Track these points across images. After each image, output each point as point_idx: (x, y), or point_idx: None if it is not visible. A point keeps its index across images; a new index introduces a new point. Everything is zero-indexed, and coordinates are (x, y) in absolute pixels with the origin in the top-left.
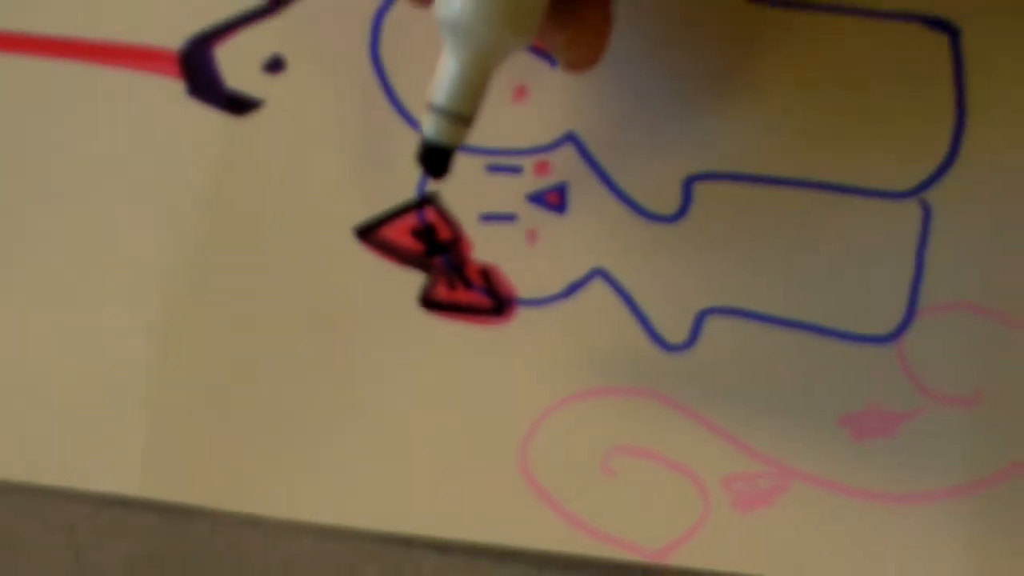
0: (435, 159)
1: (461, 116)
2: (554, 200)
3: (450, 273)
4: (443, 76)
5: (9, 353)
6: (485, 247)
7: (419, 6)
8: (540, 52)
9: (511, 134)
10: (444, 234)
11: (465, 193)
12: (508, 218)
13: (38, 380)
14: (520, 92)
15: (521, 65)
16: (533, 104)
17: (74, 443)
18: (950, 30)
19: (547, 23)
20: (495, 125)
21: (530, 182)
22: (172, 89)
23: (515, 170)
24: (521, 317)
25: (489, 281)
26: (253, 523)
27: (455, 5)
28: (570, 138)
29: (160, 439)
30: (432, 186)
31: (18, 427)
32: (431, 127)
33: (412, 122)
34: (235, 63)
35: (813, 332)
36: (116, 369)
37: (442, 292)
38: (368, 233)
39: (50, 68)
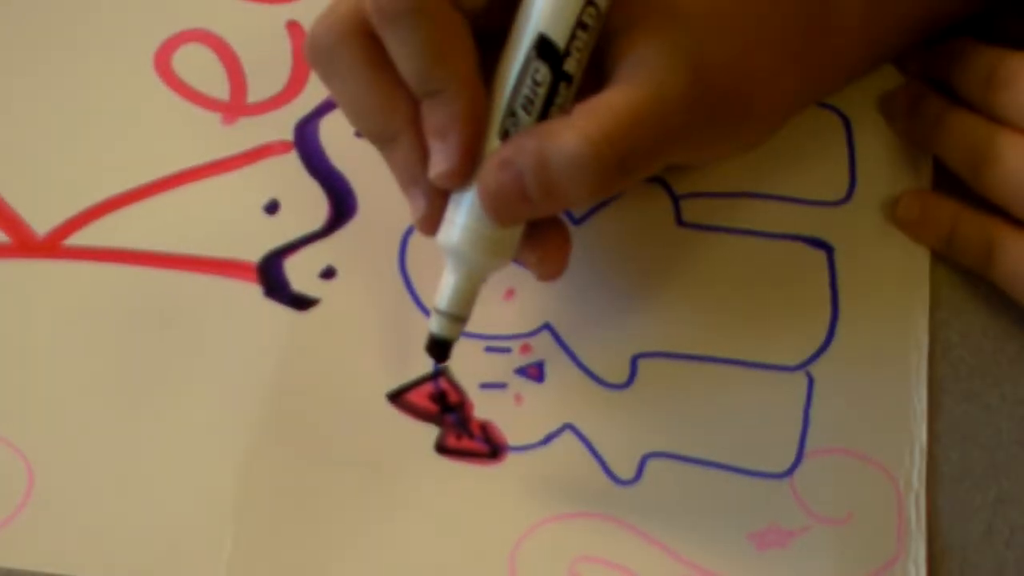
0: (438, 348)
1: (458, 317)
2: (534, 373)
3: (458, 427)
4: (444, 286)
5: (127, 486)
6: (484, 408)
7: (427, 236)
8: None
9: (502, 324)
10: (453, 398)
11: (469, 368)
12: (500, 386)
13: (150, 506)
14: (509, 293)
15: (511, 274)
16: (519, 302)
17: (174, 554)
18: (826, 247)
19: (522, 246)
20: (490, 317)
21: (517, 359)
22: (252, 291)
23: (505, 351)
24: (511, 460)
25: (487, 433)
26: None
27: (452, 236)
28: (546, 327)
29: (241, 553)
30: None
31: (130, 542)
32: (435, 324)
33: (429, 315)
34: (299, 272)
35: (728, 470)
36: (209, 497)
37: (451, 441)
38: (397, 397)
39: (163, 276)
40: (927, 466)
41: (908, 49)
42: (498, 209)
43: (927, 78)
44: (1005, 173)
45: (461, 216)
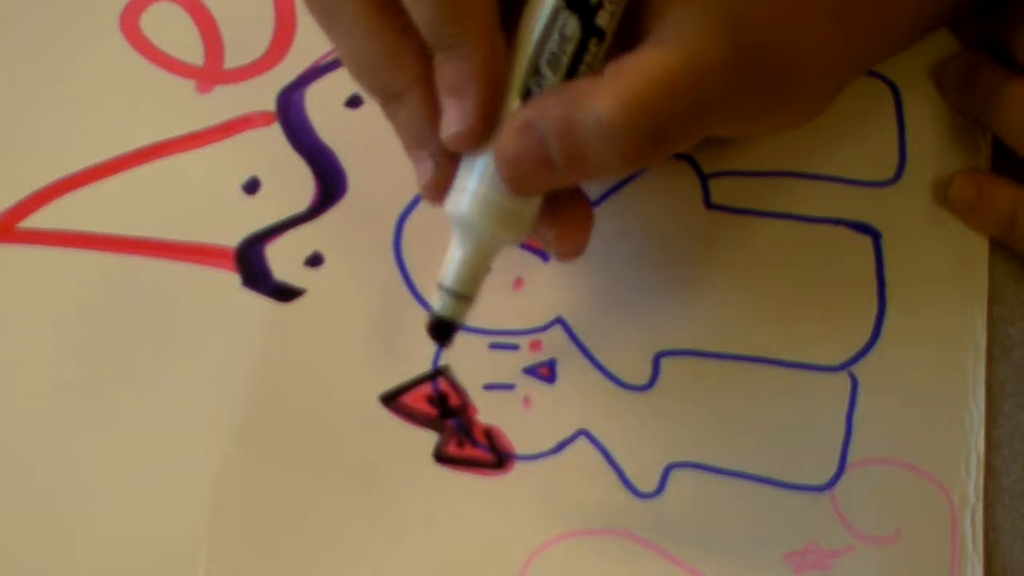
0: (441, 330)
1: (464, 295)
2: (545, 373)
3: (459, 433)
4: (450, 262)
5: (87, 499)
6: (488, 411)
7: (434, 204)
8: (534, 250)
9: (510, 318)
10: (454, 401)
11: (471, 366)
12: (507, 387)
13: (113, 521)
14: (518, 283)
15: (519, 261)
16: (528, 293)
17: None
18: (872, 233)
19: (539, 221)
20: (497, 310)
21: (525, 358)
22: (229, 280)
23: (513, 348)
24: (518, 470)
25: (492, 440)
26: None
27: (463, 205)
28: (559, 321)
29: (216, 573)
30: (444, 360)
31: (93, 562)
32: (439, 303)
33: (428, 307)
34: (282, 259)
35: (761, 482)
36: (181, 511)
37: (452, 449)
38: (391, 400)
39: (130, 263)
40: (985, 478)
41: (964, 12)
42: (516, 176)
43: (985, 45)
44: None
45: (473, 182)
